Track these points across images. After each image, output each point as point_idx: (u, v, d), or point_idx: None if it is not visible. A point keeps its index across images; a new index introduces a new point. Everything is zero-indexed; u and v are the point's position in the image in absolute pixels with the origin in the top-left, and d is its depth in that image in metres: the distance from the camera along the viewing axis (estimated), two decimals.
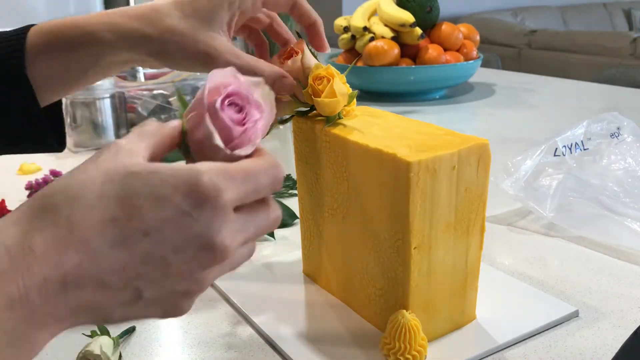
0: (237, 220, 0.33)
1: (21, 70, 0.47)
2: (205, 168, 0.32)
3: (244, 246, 0.34)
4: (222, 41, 0.48)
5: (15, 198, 0.78)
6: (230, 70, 0.36)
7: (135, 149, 0.33)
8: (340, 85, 0.47)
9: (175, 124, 0.36)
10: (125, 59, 0.49)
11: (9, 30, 0.50)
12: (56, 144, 0.54)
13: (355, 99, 0.50)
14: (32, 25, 0.49)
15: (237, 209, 0.33)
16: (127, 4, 1.34)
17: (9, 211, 0.72)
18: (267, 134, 0.48)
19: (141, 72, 1.29)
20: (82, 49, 0.48)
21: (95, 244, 0.30)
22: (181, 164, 0.33)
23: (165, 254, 0.31)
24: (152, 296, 0.32)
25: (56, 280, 0.29)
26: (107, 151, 0.33)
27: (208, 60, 0.47)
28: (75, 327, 0.32)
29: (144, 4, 0.49)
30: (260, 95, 0.36)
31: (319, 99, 0.47)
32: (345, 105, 0.49)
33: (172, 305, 0.34)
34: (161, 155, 0.35)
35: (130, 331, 0.49)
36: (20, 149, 0.54)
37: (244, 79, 0.36)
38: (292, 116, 0.52)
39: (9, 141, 0.52)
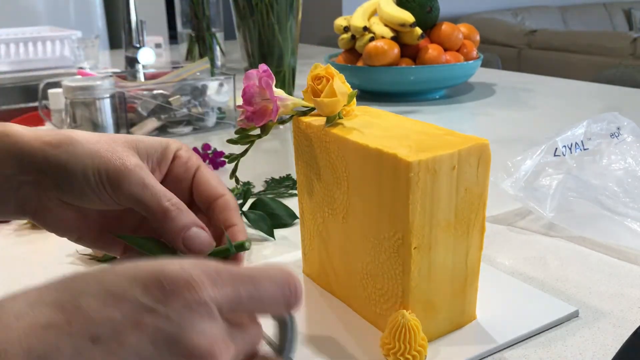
0: (225, 328, 0.26)
1: None
2: (177, 260, 0.25)
3: None
4: (137, 160, 0.39)
5: None
6: None
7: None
8: (340, 85, 0.47)
9: None
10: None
11: None
12: None
13: (355, 99, 0.50)
14: None
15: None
16: (127, 5, 1.34)
17: None
18: (267, 133, 0.48)
19: (141, 72, 1.30)
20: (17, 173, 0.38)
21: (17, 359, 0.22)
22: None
23: None
24: None
25: None
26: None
27: (113, 177, 0.38)
28: None
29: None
30: None
31: (318, 98, 0.47)
32: (345, 105, 0.49)
33: None
34: None
35: None
36: None
37: None
38: (292, 116, 0.52)
39: None
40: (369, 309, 0.49)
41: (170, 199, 0.38)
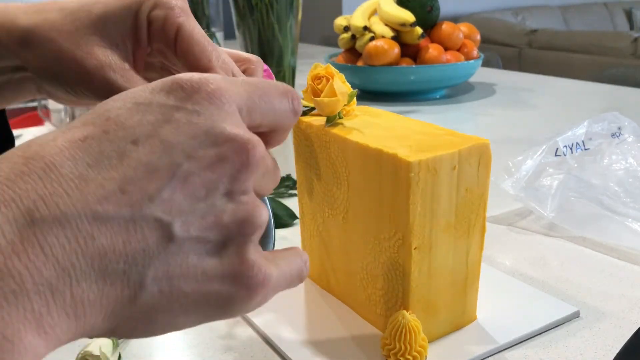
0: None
1: None
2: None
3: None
4: (109, 54, 0.36)
5: None
6: None
7: None
8: (340, 85, 0.47)
9: None
10: None
11: None
12: None
13: (355, 99, 0.50)
14: None
15: None
16: None
17: None
18: None
19: None
20: None
21: (65, 168, 0.22)
22: None
23: (176, 161, 0.23)
24: (190, 235, 0.23)
25: (18, 218, 0.20)
26: None
27: (81, 74, 0.36)
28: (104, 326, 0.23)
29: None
30: None
31: (318, 98, 0.47)
32: (345, 105, 0.49)
33: (235, 255, 0.24)
34: None
35: None
36: None
37: None
38: None
39: None
40: (369, 309, 0.49)
41: None
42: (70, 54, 0.36)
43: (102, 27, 0.36)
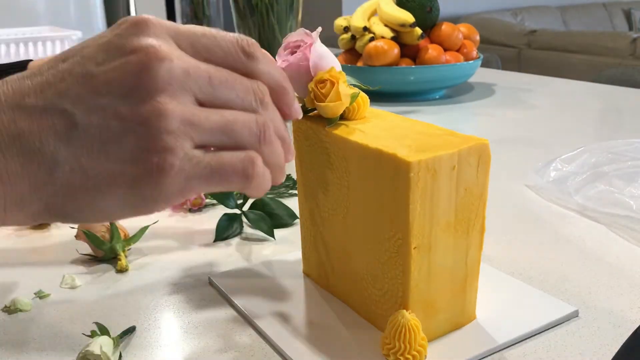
0: (187, 58, 0.31)
1: None
2: None
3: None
4: None
5: None
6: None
7: None
8: (345, 88, 0.47)
9: None
10: None
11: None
12: None
13: (358, 98, 0.50)
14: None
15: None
16: (127, 5, 1.34)
17: None
18: None
19: None
20: None
21: (13, 78, 0.30)
22: None
23: (87, 69, 0.29)
24: (92, 123, 0.29)
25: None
26: None
27: None
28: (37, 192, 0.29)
29: None
30: None
31: (322, 103, 0.47)
32: (349, 105, 0.49)
33: (136, 149, 0.29)
34: None
35: (131, 331, 0.49)
36: None
37: None
38: None
39: None
40: (368, 309, 0.49)
41: None
42: None
43: None
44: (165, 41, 0.30)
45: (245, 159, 0.32)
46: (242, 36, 0.34)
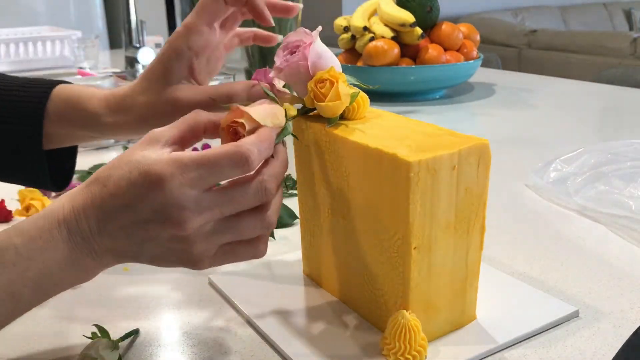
0: (201, 197, 0.40)
1: (39, 120, 0.56)
2: (157, 158, 0.39)
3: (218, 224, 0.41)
4: (184, 89, 0.54)
5: (15, 198, 0.78)
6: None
7: (156, 137, 0.41)
8: (345, 88, 0.47)
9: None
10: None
11: (35, 80, 0.59)
12: (51, 183, 0.59)
13: (357, 98, 0.50)
14: (58, 82, 0.58)
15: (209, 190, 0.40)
16: (127, 5, 1.34)
17: (9, 211, 0.72)
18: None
19: (141, 71, 1.29)
20: (87, 128, 0.57)
21: (91, 221, 0.41)
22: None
23: (123, 221, 0.41)
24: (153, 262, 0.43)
25: (85, 207, 0.41)
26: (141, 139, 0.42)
27: (176, 110, 0.53)
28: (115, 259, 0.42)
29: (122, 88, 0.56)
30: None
31: (322, 103, 0.47)
32: (349, 105, 0.49)
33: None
34: (190, 138, 0.43)
35: (134, 333, 0.49)
36: (11, 180, 0.60)
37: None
38: (295, 117, 0.52)
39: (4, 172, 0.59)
40: (369, 309, 0.49)
41: None
42: (160, 107, 0.54)
43: (167, 80, 0.54)
44: (188, 202, 0.39)
45: (254, 255, 0.44)
46: (263, 187, 0.42)
